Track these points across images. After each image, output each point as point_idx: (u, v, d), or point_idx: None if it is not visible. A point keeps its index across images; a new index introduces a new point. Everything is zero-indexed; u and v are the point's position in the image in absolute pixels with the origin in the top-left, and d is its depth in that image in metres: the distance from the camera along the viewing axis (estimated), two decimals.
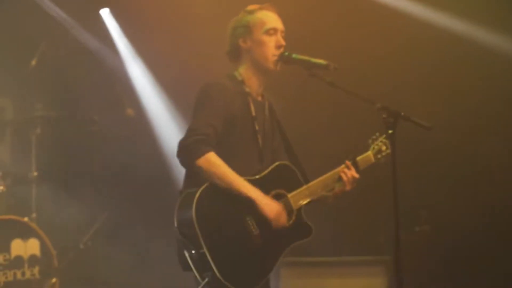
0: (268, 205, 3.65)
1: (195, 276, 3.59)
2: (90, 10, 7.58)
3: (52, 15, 7.19)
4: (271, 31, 3.89)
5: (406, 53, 6.52)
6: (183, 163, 3.69)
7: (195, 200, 3.52)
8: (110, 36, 7.65)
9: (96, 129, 6.68)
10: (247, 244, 3.61)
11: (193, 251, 3.54)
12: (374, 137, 4.22)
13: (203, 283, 3.57)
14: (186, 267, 3.61)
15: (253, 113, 3.87)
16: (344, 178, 3.98)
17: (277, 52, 3.88)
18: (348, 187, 4.00)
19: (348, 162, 4.03)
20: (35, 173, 6.32)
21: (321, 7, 6.67)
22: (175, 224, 3.62)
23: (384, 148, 4.18)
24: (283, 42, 3.91)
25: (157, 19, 7.13)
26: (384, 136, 4.16)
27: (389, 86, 6.28)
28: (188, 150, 3.63)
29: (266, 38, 3.88)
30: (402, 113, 3.63)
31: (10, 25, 7.08)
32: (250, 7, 3.97)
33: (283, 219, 3.69)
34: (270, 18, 3.93)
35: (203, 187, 3.57)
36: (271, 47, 3.88)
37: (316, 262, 6.22)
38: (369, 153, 4.17)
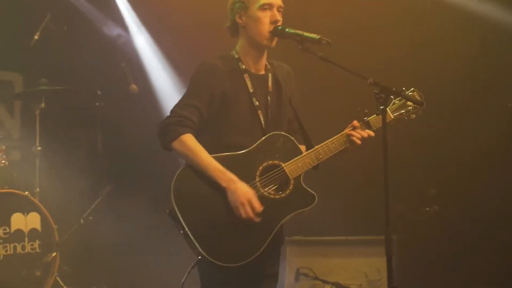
0: (233, 195, 3.57)
1: None
2: None
3: None
4: (266, 6, 3.81)
5: (400, 27, 6.41)
6: (161, 144, 3.68)
7: (172, 183, 3.56)
8: (118, 9, 7.59)
9: (99, 104, 6.66)
10: (232, 221, 3.57)
11: (181, 231, 3.56)
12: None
13: (196, 260, 3.60)
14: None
15: (250, 89, 3.82)
16: (353, 138, 3.82)
17: (269, 29, 3.81)
18: (358, 142, 3.82)
19: (356, 123, 3.87)
20: (39, 148, 6.34)
21: None
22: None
23: (410, 102, 3.95)
24: (278, 18, 3.83)
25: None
26: (412, 89, 3.98)
27: (383, 62, 6.16)
28: (164, 132, 3.63)
29: (260, 14, 3.80)
30: (394, 88, 3.58)
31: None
32: None
33: (246, 209, 3.56)
34: None
35: (181, 168, 3.60)
36: (266, 22, 3.80)
37: (321, 241, 6.21)
38: (387, 109, 3.82)
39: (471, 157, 6.23)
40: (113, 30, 7.08)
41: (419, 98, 3.96)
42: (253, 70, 3.88)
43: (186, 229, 3.50)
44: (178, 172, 3.59)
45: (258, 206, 3.60)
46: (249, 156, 3.70)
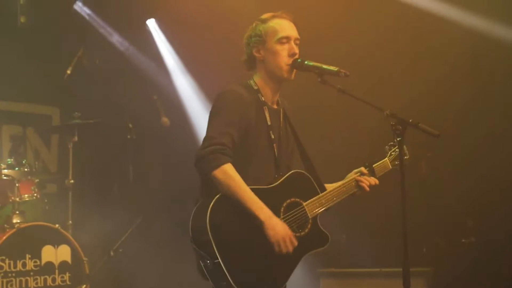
0: (273, 230, 3.56)
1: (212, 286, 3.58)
2: (134, 20, 7.67)
3: (91, 23, 7.30)
4: (284, 40, 3.82)
5: (415, 57, 6.37)
6: (200, 173, 3.64)
7: (209, 209, 3.48)
8: (155, 45, 7.70)
9: (130, 136, 6.72)
10: (261, 255, 3.55)
11: (208, 261, 3.50)
12: (391, 143, 4.16)
13: None
14: (204, 277, 3.58)
15: (269, 122, 3.83)
16: (362, 184, 3.95)
17: (290, 61, 3.82)
18: (367, 189, 3.96)
19: (363, 169, 4.00)
20: (72, 181, 6.41)
21: (329, 11, 6.57)
22: (190, 234, 3.59)
23: None
24: (296, 50, 3.84)
25: (202, 26, 7.15)
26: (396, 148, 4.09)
27: (402, 94, 6.13)
28: (206, 160, 3.57)
29: (278, 47, 3.81)
30: (410, 120, 3.57)
31: (54, 34, 7.23)
32: (264, 16, 3.91)
33: (287, 244, 3.58)
34: (283, 26, 3.85)
35: (218, 196, 3.53)
36: (284, 56, 3.81)
37: (355, 273, 6.14)
38: (386, 160, 4.12)
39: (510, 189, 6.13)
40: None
41: (406, 154, 4.04)
42: (269, 103, 3.89)
43: (219, 259, 3.45)
44: (214, 200, 3.51)
45: (295, 242, 3.61)
46: (275, 191, 3.70)
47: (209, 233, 3.45)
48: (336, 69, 3.74)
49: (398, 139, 3.61)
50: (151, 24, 7.88)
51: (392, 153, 4.13)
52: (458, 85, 6.29)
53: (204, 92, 7.68)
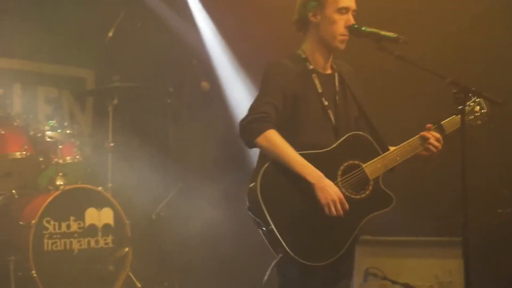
0: (322, 192, 3.56)
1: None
2: None
3: None
4: (343, 10, 3.80)
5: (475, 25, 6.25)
6: (245, 143, 3.68)
7: (259, 178, 3.53)
8: (189, 8, 7.63)
9: (171, 100, 6.71)
10: (317, 219, 3.57)
11: (264, 228, 3.55)
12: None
13: (277, 258, 3.57)
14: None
15: (319, 90, 3.81)
16: (428, 140, 3.88)
17: (346, 32, 3.80)
18: (434, 150, 3.90)
19: (429, 125, 3.93)
20: (112, 144, 6.44)
21: None
22: (246, 203, 3.64)
23: (478, 108, 4.05)
24: (353, 22, 3.82)
25: None
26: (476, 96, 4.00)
27: (459, 61, 6.04)
28: (247, 129, 3.62)
29: (337, 17, 3.79)
30: (473, 88, 3.55)
31: None
32: None
33: (337, 207, 3.57)
34: None
35: (267, 163, 3.57)
36: (341, 26, 3.80)
37: (392, 241, 6.09)
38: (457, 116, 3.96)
39: None
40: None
41: (484, 107, 4.01)
42: (320, 70, 3.87)
43: (272, 226, 3.48)
44: (263, 168, 3.55)
45: (347, 205, 3.59)
46: (331, 155, 3.70)
47: (261, 201, 3.49)
48: (395, 36, 3.71)
49: (459, 107, 3.57)
50: None
51: (466, 107, 3.88)
52: None
53: (239, 60, 7.61)
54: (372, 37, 3.76)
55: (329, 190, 3.56)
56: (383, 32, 3.75)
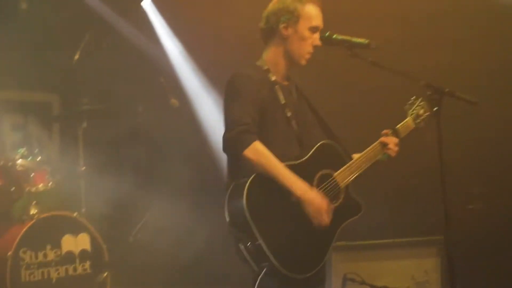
0: (310, 203, 3.58)
1: (252, 269, 3.58)
2: (131, 1, 7.59)
3: (94, 8, 7.21)
4: (314, 29, 3.83)
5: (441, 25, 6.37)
6: (232, 155, 3.67)
7: (245, 190, 3.48)
8: (152, 26, 7.63)
9: (141, 120, 6.68)
10: (301, 231, 3.57)
11: (249, 243, 3.50)
12: (410, 102, 4.22)
13: (262, 273, 3.54)
14: (243, 260, 3.58)
15: (282, 101, 3.81)
16: (388, 145, 3.98)
17: (312, 50, 3.84)
18: (393, 154, 4.00)
19: (386, 131, 4.03)
20: (83, 168, 6.37)
21: None
22: (227, 218, 3.59)
23: (422, 111, 4.19)
24: (319, 43, 3.85)
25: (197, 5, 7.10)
26: (421, 99, 4.16)
27: (429, 62, 6.14)
28: (234, 142, 3.57)
29: (308, 34, 3.82)
30: (447, 89, 3.60)
31: (54, 19, 7.13)
32: None
33: (326, 217, 3.60)
34: (317, 15, 3.86)
35: (252, 176, 3.53)
36: (309, 44, 3.83)
37: (367, 245, 6.14)
38: (408, 119, 4.16)
39: None
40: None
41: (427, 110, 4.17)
42: (281, 81, 3.88)
43: (260, 240, 3.45)
44: (249, 182, 3.51)
45: (331, 215, 3.63)
46: (306, 165, 3.69)
47: (248, 215, 3.44)
48: (366, 42, 3.76)
49: (435, 109, 3.62)
50: (147, 4, 7.77)
51: (413, 112, 4.17)
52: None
53: (203, 72, 7.63)
54: (344, 45, 3.79)
55: (318, 201, 3.59)
56: (354, 39, 3.78)
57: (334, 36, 3.80)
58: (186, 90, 7.61)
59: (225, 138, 3.61)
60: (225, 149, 3.64)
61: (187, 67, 7.63)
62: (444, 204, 3.58)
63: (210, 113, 7.27)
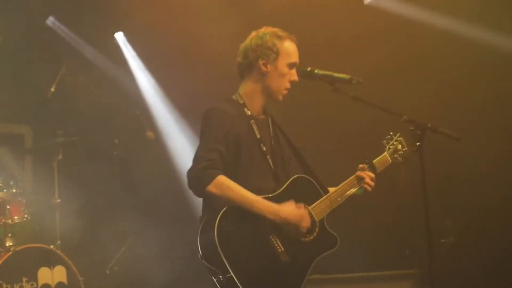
0: (287, 220, 3.60)
1: None
2: (104, 34, 7.61)
3: (69, 41, 7.23)
4: (292, 65, 3.86)
5: (421, 62, 6.49)
6: (195, 192, 3.62)
7: (216, 225, 3.47)
8: (125, 59, 7.66)
9: (117, 152, 6.67)
10: (273, 263, 3.56)
11: (220, 276, 3.49)
12: (388, 137, 4.23)
13: None
14: None
15: (258, 135, 3.83)
16: (364, 179, 3.98)
17: (289, 86, 3.86)
18: (369, 189, 3.99)
19: (362, 166, 4.03)
20: (58, 200, 6.32)
21: (340, 21, 6.66)
22: (199, 252, 3.57)
23: (400, 147, 4.20)
24: (296, 78, 3.88)
25: (170, 40, 7.14)
26: (399, 134, 4.18)
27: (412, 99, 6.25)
28: (196, 179, 3.56)
29: (286, 70, 3.84)
30: (429, 125, 3.61)
31: (28, 52, 7.12)
32: (279, 32, 3.89)
33: (306, 221, 3.65)
34: (294, 51, 3.88)
35: (223, 210, 3.52)
36: (287, 80, 3.85)
37: (342, 278, 6.18)
38: (385, 154, 4.16)
39: (486, 188, 6.27)
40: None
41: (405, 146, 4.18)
42: (256, 115, 3.89)
43: (231, 273, 3.43)
44: (220, 214, 3.50)
45: (309, 220, 3.69)
46: (279, 198, 3.68)
47: (219, 248, 3.44)
48: (348, 77, 3.77)
49: (417, 143, 3.67)
50: (119, 37, 7.80)
51: (390, 147, 4.19)
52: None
53: (174, 104, 7.65)
54: (325, 80, 3.81)
55: (294, 212, 3.62)
56: (336, 74, 3.80)
57: (316, 71, 3.82)
58: (158, 123, 7.61)
59: (188, 175, 3.60)
60: (189, 185, 3.61)
61: (159, 99, 7.64)
62: (428, 238, 3.58)
63: (181, 147, 7.27)
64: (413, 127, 3.61)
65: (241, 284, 3.43)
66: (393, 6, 6.63)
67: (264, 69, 3.82)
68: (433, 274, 3.59)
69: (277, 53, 3.81)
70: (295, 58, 3.86)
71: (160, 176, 7.20)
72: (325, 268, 6.16)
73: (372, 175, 4.02)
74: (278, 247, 3.58)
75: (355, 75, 3.78)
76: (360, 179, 3.99)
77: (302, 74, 3.86)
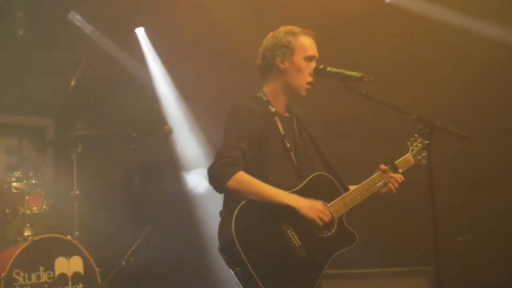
0: (308, 208, 3.66)
1: None
2: (125, 29, 7.68)
3: (90, 36, 7.30)
4: (310, 58, 3.91)
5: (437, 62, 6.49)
6: (216, 188, 3.70)
7: (233, 218, 3.54)
8: (144, 54, 7.72)
9: (135, 146, 6.73)
10: (290, 258, 3.62)
11: (238, 268, 3.56)
12: (412, 138, 4.26)
13: None
14: (237, 285, 3.63)
15: (282, 132, 3.88)
16: (388, 181, 4.03)
17: (310, 80, 3.90)
18: (394, 190, 4.05)
19: (383, 166, 4.06)
20: (77, 192, 6.41)
21: (352, 21, 6.67)
22: (218, 244, 3.65)
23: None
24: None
25: (190, 37, 7.19)
26: (417, 143, 4.21)
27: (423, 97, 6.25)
28: (216, 175, 3.64)
29: (304, 64, 3.89)
30: (438, 123, 3.65)
31: (51, 46, 7.21)
32: (294, 29, 3.95)
33: (327, 215, 3.71)
34: (312, 45, 3.94)
35: (241, 204, 3.59)
36: (307, 74, 3.89)
37: (357, 274, 6.17)
38: (408, 155, 4.19)
39: (504, 186, 6.25)
40: None
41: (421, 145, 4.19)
42: (281, 112, 3.94)
43: (248, 265, 3.50)
44: (237, 209, 3.57)
45: (329, 214, 3.74)
46: (299, 194, 3.74)
47: (236, 241, 3.50)
48: (359, 75, 3.81)
49: (426, 142, 3.70)
50: (140, 32, 7.86)
51: (414, 148, 4.22)
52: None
53: (188, 104, 7.70)
54: (337, 77, 3.85)
55: (313, 203, 3.69)
56: (348, 72, 3.84)
57: (328, 68, 3.87)
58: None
59: (208, 171, 3.69)
60: (209, 182, 3.70)
61: (172, 96, 7.70)
62: (435, 235, 3.63)
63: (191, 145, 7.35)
64: (422, 125, 3.66)
65: (257, 277, 3.50)
66: (413, 5, 6.62)
67: (282, 66, 3.88)
68: (440, 273, 3.64)
69: (293, 49, 3.88)
70: (311, 51, 3.91)
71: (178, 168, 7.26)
72: (340, 263, 6.22)
73: (401, 176, 4.07)
74: (295, 242, 3.63)
75: (367, 74, 3.80)
76: (382, 179, 4.03)
77: (314, 71, 3.90)
